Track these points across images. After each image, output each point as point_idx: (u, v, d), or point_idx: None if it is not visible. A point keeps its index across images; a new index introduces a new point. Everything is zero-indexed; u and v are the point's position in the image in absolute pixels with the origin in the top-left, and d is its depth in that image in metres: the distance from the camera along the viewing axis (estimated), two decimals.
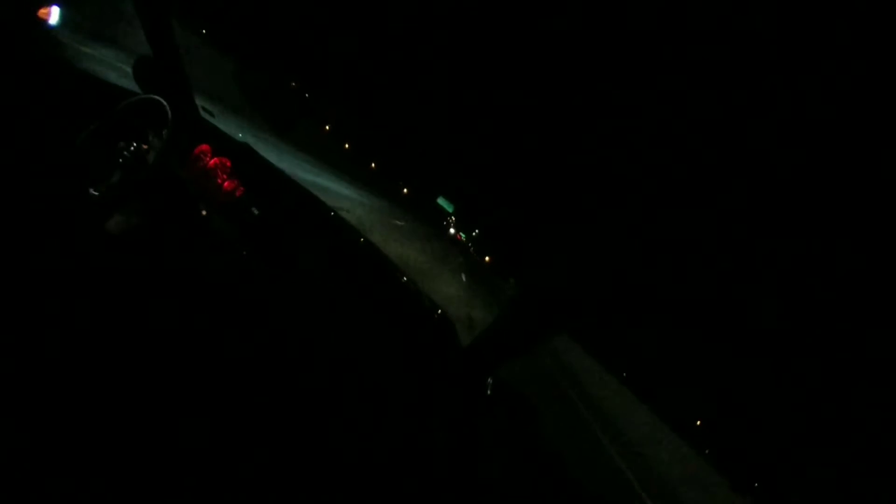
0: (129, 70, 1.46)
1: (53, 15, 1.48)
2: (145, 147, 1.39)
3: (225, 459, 1.14)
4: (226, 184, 1.54)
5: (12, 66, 1.34)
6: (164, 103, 1.36)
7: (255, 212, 1.58)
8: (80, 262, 1.22)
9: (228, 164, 1.56)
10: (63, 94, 1.41)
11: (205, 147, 1.55)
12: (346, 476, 1.31)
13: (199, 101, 1.68)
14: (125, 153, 1.35)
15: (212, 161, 1.54)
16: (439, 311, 2.01)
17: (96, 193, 1.30)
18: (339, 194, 12.12)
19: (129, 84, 1.49)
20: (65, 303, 1.12)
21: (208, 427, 1.16)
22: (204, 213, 1.49)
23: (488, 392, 1.74)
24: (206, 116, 1.72)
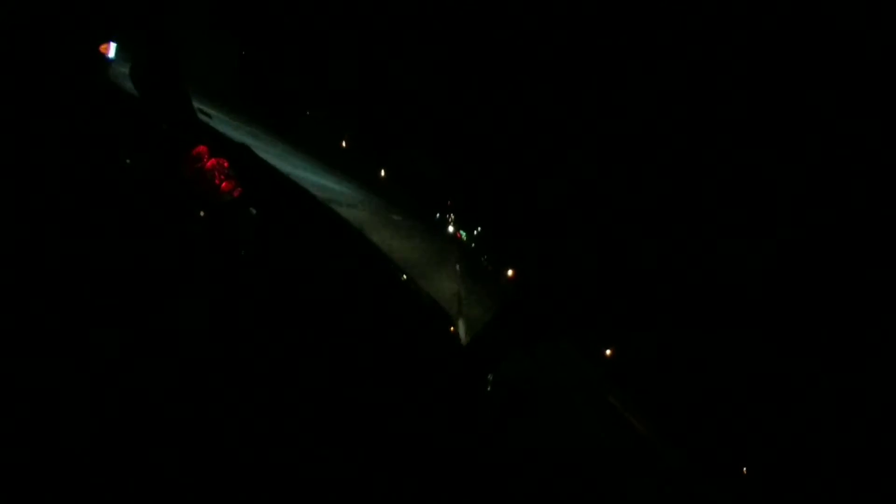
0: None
1: (111, 50, 1.68)
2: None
3: (226, 457, 1.14)
4: (223, 184, 1.54)
5: (81, 95, 1.43)
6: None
7: (253, 211, 1.59)
8: (81, 263, 1.23)
9: (226, 164, 1.56)
10: (115, 114, 1.49)
11: (202, 148, 1.55)
12: (346, 474, 1.32)
13: (196, 103, 1.68)
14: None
15: (209, 162, 1.54)
16: (439, 309, 2.02)
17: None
18: (338, 192, 12.10)
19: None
20: (63, 303, 1.12)
21: (209, 425, 1.16)
22: (202, 213, 1.50)
23: (488, 389, 1.75)
24: (204, 118, 1.72)
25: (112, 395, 1.07)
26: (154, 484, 1.01)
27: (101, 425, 1.01)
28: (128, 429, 1.04)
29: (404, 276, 2.06)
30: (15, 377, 0.98)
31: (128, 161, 1.38)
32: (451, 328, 1.94)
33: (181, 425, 1.12)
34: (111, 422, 1.03)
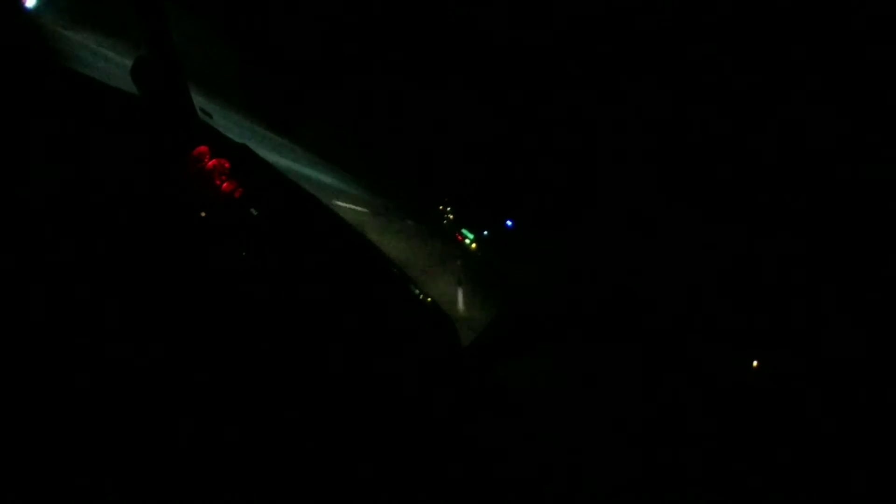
0: (110, 55, 1.48)
1: None
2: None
3: (225, 460, 1.14)
4: (224, 185, 1.54)
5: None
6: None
7: (254, 213, 1.58)
8: (80, 264, 1.22)
9: (227, 165, 1.56)
10: (38, 82, 1.40)
11: (203, 148, 1.55)
12: (345, 476, 1.32)
13: (197, 102, 1.67)
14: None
15: (210, 162, 1.54)
16: (439, 310, 2.01)
17: None
18: (339, 193, 12.13)
19: (101, 66, 1.46)
20: (61, 305, 1.12)
21: (208, 427, 1.16)
22: (203, 214, 1.49)
23: (487, 392, 1.74)
24: (204, 118, 1.72)
25: (111, 396, 1.06)
26: (152, 484, 1.01)
27: (99, 426, 1.01)
28: (126, 430, 1.04)
29: (405, 277, 2.05)
30: (14, 378, 0.97)
31: (127, 161, 1.37)
32: (452, 329, 1.94)
33: (180, 426, 1.12)
34: (110, 423, 1.03)
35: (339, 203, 9.93)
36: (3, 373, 0.96)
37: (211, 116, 1.78)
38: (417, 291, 2.06)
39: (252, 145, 1.79)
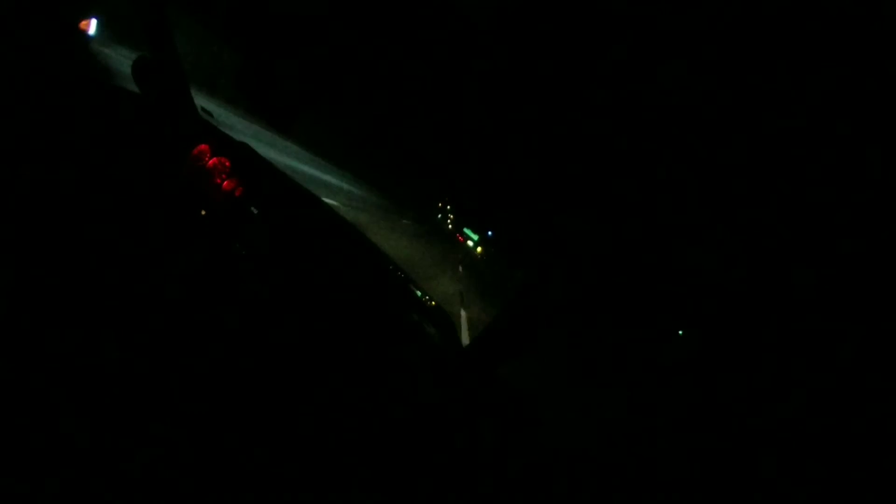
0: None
1: (93, 26, 1.56)
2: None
3: (225, 459, 1.14)
4: (225, 183, 1.54)
5: (59, 75, 1.40)
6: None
7: (255, 211, 1.58)
8: (80, 263, 1.22)
9: (227, 163, 1.55)
10: (98, 99, 1.46)
11: (203, 147, 1.54)
12: (345, 475, 1.32)
13: (197, 101, 1.67)
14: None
15: (210, 161, 1.53)
16: (439, 310, 2.01)
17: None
18: (340, 192, 12.13)
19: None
20: (62, 304, 1.12)
21: (208, 427, 1.16)
22: (203, 213, 1.49)
23: (487, 390, 1.73)
24: (205, 116, 1.72)
25: (112, 395, 1.06)
26: (152, 484, 1.01)
27: (100, 426, 1.01)
28: (127, 430, 1.04)
29: (406, 278, 2.05)
30: (15, 378, 0.97)
31: (129, 160, 1.37)
32: (453, 330, 1.94)
33: (180, 425, 1.12)
34: (110, 423, 1.03)
35: (340, 202, 9.93)
36: (4, 369, 0.96)
37: (212, 115, 1.78)
38: (419, 292, 2.06)
39: (252, 144, 1.79)
